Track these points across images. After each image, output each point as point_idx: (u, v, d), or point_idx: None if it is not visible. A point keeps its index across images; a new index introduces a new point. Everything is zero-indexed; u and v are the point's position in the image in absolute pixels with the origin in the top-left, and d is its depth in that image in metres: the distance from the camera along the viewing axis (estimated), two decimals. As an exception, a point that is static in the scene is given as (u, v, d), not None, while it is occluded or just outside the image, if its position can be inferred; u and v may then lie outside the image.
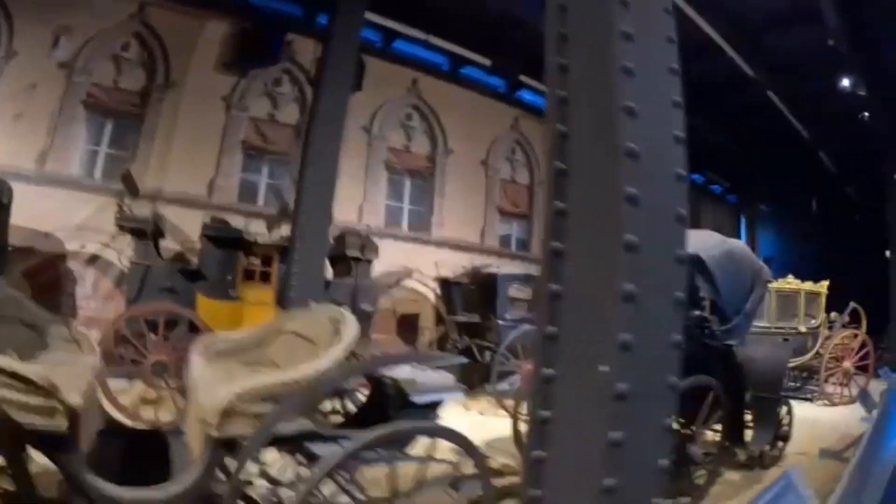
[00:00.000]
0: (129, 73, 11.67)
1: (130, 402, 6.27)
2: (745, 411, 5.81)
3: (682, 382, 4.48)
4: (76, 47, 11.07)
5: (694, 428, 4.77)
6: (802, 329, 11.00)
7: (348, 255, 9.57)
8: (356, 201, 13.42)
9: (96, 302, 10.37)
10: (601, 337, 1.76)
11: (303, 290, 6.92)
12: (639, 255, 1.74)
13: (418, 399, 3.26)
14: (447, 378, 3.57)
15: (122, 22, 11.56)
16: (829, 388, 10.61)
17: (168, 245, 9.83)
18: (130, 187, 8.99)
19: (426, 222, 14.63)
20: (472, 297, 11.18)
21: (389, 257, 11.77)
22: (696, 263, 4.95)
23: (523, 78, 15.15)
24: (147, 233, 8.04)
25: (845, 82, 13.05)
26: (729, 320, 5.23)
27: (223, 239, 8.46)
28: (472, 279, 11.64)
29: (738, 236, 22.16)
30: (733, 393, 5.20)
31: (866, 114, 14.23)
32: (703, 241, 5.27)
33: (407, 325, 13.00)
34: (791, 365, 10.96)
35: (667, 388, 1.81)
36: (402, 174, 14.64)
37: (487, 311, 10.48)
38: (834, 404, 10.19)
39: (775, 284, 10.96)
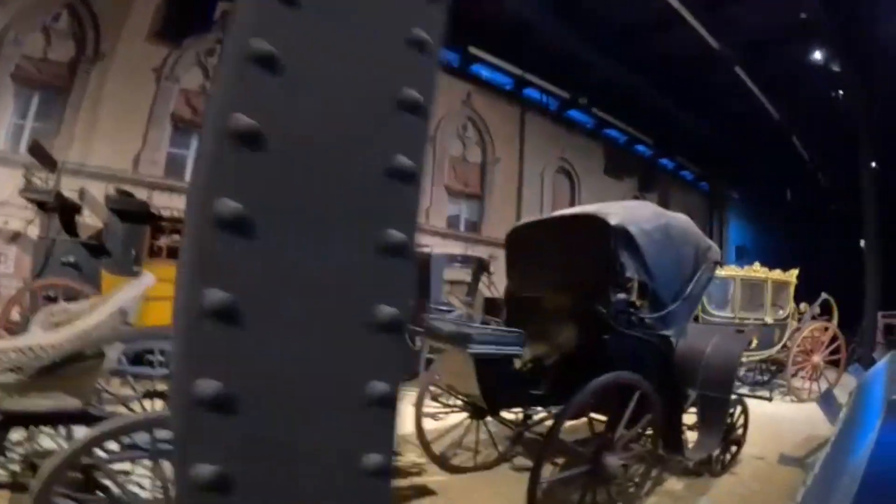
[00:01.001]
0: (58, 45, 11.46)
1: None
2: (685, 413, 4.91)
3: (597, 380, 3.46)
4: (7, 19, 10.75)
5: (612, 434, 3.77)
6: (769, 320, 10.09)
7: None
8: None
9: (17, 280, 9.78)
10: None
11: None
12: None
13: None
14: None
15: (55, -9, 11.30)
16: (797, 383, 9.73)
17: (88, 221, 9.44)
18: (43, 159, 8.44)
19: None
20: None
21: None
22: (623, 237, 4.04)
23: (477, 52, 14.23)
24: (48, 206, 7.78)
25: (818, 55, 12.15)
26: (664, 306, 4.27)
27: (128, 213, 7.97)
28: None
29: (710, 224, 21.43)
30: (669, 392, 4.24)
31: (840, 92, 13.34)
32: (633, 213, 4.32)
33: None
34: (757, 358, 10.13)
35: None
36: None
37: (421, 295, 9.50)
38: (802, 400, 9.32)
39: (741, 272, 10.12)
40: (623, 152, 18.51)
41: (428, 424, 5.03)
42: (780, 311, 10.36)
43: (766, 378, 10.98)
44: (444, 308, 8.80)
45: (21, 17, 10.86)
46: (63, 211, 8.07)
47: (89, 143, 11.05)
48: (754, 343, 9.98)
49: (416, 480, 4.73)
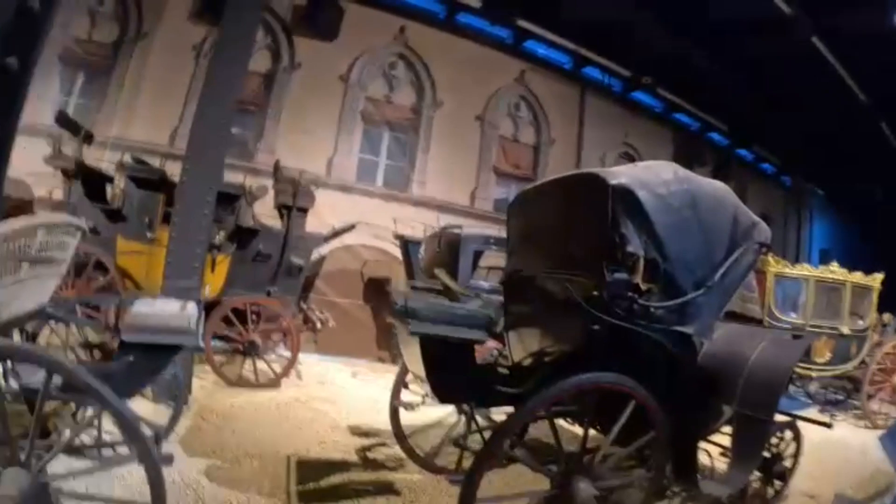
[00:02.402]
0: (103, 27, 11.91)
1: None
2: (716, 433, 4.02)
3: (566, 381, 2.87)
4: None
5: (590, 454, 2.93)
6: (846, 330, 8.69)
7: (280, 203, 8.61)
8: (326, 154, 12.44)
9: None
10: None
11: (187, 232, 5.86)
12: None
13: (130, 337, 2.76)
14: (188, 320, 2.86)
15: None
16: (874, 406, 8.35)
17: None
18: (69, 127, 8.54)
19: (406, 179, 13.23)
20: (439, 260, 9.56)
21: (360, 214, 10.74)
22: (626, 202, 3.14)
23: (532, 28, 13.31)
24: (69, 172, 7.84)
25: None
26: (681, 294, 3.29)
27: (144, 179, 7.94)
28: (439, 240, 9.91)
29: (792, 223, 19.46)
30: (684, 406, 3.30)
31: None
32: (645, 174, 3.37)
33: (376, 290, 11.63)
34: (829, 373, 8.80)
35: None
36: (381, 126, 13.25)
37: (452, 277, 8.82)
38: (877, 427, 7.99)
39: (815, 272, 8.75)
40: (695, 139, 16.84)
41: (416, 418, 4.52)
42: (860, 321, 8.97)
43: (841, 397, 9.57)
44: (473, 291, 8.05)
45: (68, 1, 11.20)
46: (88, 179, 8.07)
47: (130, 118, 11.39)
48: (826, 356, 8.70)
49: (388, 476, 4.12)
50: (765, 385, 3.80)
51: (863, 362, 8.70)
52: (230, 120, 6.41)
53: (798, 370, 8.60)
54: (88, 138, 9.02)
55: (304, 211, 8.50)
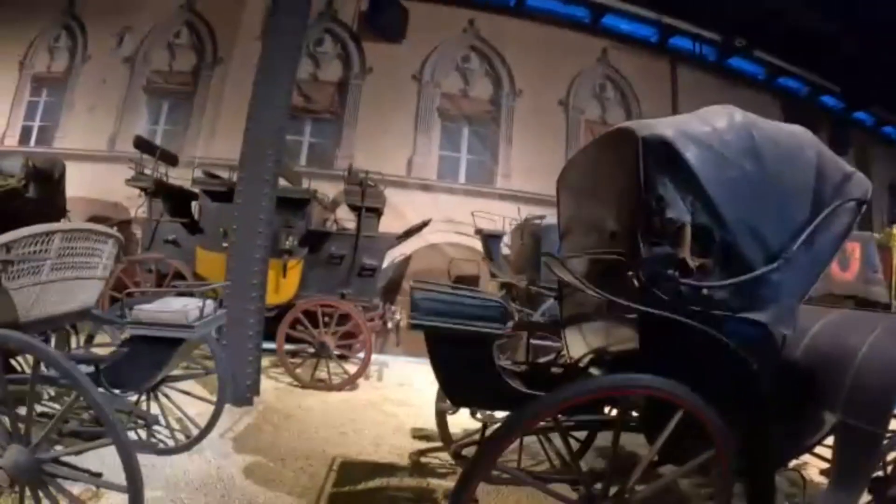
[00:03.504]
0: (181, 57, 13.38)
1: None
2: (817, 446, 3.13)
3: (569, 387, 2.53)
4: (137, 42, 13.33)
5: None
6: None
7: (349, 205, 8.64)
8: (406, 154, 12.60)
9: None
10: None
11: (244, 239, 5.96)
12: None
13: (133, 330, 2.86)
14: (187, 316, 2.89)
15: (174, 13, 13.48)
16: None
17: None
18: (147, 149, 9.37)
19: (489, 173, 13.03)
20: (525, 253, 9.32)
21: (443, 212, 11.08)
22: (661, 156, 2.56)
23: (610, 2, 12.59)
24: (149, 191, 8.50)
25: None
26: (746, 268, 2.61)
27: (216, 193, 8.17)
28: (522, 232, 9.51)
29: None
30: (760, 418, 2.64)
31: None
32: (689, 122, 2.77)
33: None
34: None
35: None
36: (460, 121, 13.16)
37: (534, 272, 8.54)
38: None
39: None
40: (805, 105, 15.15)
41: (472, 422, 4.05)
42: None
43: None
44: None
45: (148, 39, 13.23)
46: (169, 196, 8.72)
47: (212, 138, 12.31)
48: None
49: (433, 483, 3.85)
50: (877, 386, 2.86)
51: None
52: (282, 127, 6.55)
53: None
54: (172, 159, 9.86)
55: (374, 211, 8.40)
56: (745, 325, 2.60)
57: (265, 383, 6.26)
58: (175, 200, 8.87)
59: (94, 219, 9.85)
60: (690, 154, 2.57)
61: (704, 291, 2.57)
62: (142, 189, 8.60)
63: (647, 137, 2.57)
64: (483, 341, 2.70)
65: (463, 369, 2.72)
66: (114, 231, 3.53)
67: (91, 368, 2.81)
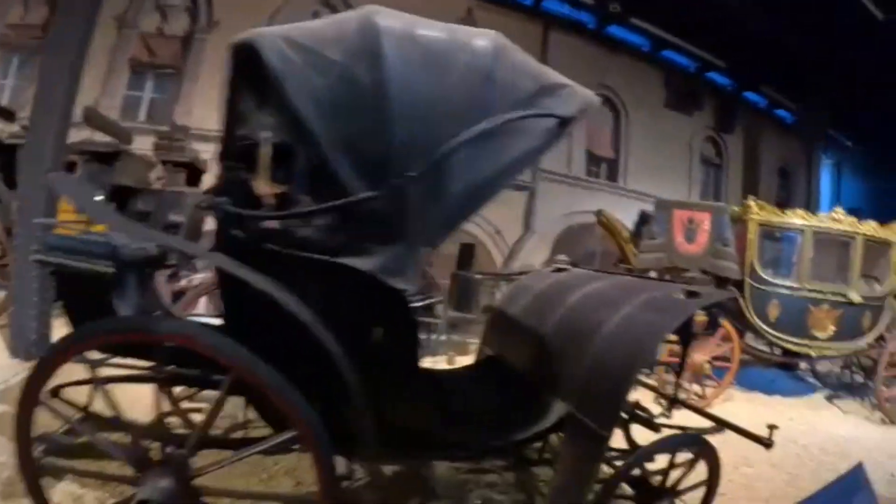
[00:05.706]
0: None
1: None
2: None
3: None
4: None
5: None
6: (856, 297, 6.78)
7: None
8: None
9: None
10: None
11: (28, 191, 5.70)
12: None
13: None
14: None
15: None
16: (889, 393, 6.42)
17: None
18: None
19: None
20: None
21: None
22: (247, 63, 2.09)
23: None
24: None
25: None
26: (340, 192, 2.06)
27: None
28: None
29: (814, 181, 17.11)
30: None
31: None
32: (308, 26, 2.25)
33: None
34: (834, 352, 6.91)
35: None
36: None
37: None
38: (893, 422, 6.11)
39: (813, 220, 6.84)
40: (692, 80, 14.82)
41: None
42: (876, 286, 7.06)
43: (854, 381, 7.60)
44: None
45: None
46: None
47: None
48: (829, 330, 6.79)
49: None
50: (610, 380, 2.30)
51: (880, 339, 6.78)
52: (76, 75, 5.90)
53: (791, 346, 6.75)
54: (8, 115, 9.16)
55: (183, 166, 8.48)
56: (346, 275, 2.03)
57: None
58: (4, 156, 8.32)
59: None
60: (277, 60, 2.06)
61: (275, 225, 2.05)
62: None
63: (236, 44, 2.12)
64: (101, 278, 2.31)
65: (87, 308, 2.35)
66: None
67: None
